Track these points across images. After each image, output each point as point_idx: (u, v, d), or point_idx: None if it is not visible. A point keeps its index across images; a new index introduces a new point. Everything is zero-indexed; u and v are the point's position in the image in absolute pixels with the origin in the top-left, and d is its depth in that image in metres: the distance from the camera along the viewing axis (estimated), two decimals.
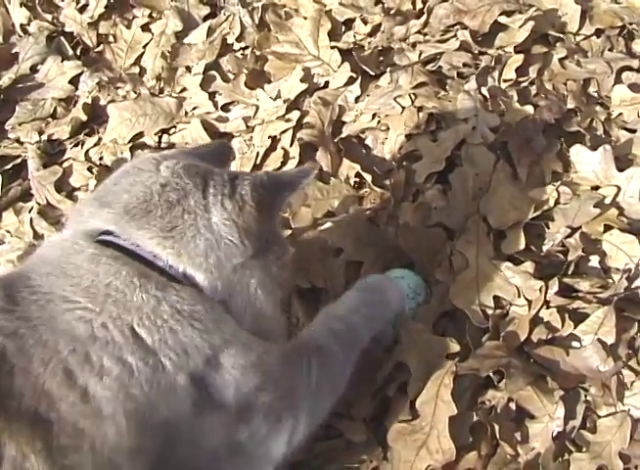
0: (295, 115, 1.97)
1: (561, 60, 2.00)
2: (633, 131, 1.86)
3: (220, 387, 1.14)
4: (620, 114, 1.89)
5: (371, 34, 2.12)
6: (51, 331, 1.04)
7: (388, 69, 2.02)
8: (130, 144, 2.07)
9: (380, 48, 2.08)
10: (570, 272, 1.66)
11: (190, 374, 1.10)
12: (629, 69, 1.95)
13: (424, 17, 2.10)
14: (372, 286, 1.58)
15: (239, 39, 2.21)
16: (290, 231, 1.77)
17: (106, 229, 1.17)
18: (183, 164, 1.21)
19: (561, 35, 2.04)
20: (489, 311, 1.63)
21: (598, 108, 1.92)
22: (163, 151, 1.33)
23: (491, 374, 1.53)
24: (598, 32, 2.05)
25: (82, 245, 1.15)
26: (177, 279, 1.14)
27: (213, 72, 2.16)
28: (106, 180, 1.28)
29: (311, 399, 1.30)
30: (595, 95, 1.94)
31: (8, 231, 2.03)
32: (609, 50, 2.03)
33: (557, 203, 1.75)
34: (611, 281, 1.64)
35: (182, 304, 1.11)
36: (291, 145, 1.93)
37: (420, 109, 1.93)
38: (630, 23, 2.04)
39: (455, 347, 1.57)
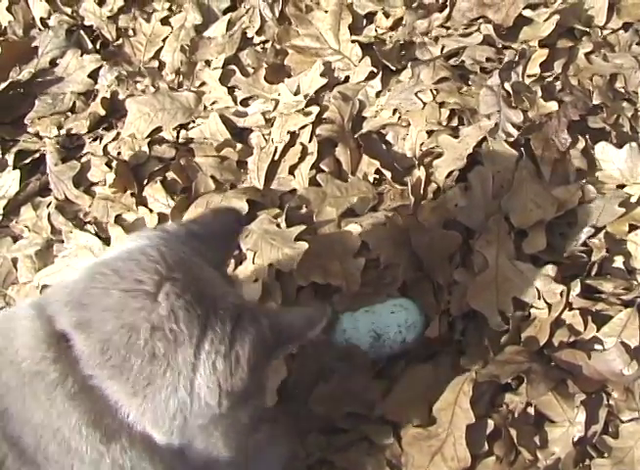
0: (314, 110, 1.95)
1: (587, 54, 1.96)
2: None
3: None
4: None
5: (393, 28, 2.09)
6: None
7: (410, 63, 1.98)
8: (148, 139, 2.05)
9: (401, 42, 2.05)
10: (593, 273, 1.63)
11: None
12: None
13: (447, 10, 2.06)
14: None
15: (259, 33, 2.19)
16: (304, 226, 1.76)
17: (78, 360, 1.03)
18: (185, 301, 1.02)
19: (587, 29, 2.00)
20: (508, 314, 1.61)
21: (625, 104, 1.88)
22: (164, 235, 1.14)
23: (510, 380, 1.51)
24: (625, 26, 2.01)
25: (48, 364, 1.02)
26: (129, 430, 1.05)
27: (233, 67, 2.13)
28: (96, 266, 1.08)
29: None
30: (622, 91, 1.90)
31: (26, 226, 2.02)
32: (637, 44, 1.98)
33: (581, 202, 1.72)
34: (635, 283, 1.61)
35: (125, 460, 1.04)
36: (310, 140, 1.90)
37: (442, 104, 1.90)
38: None
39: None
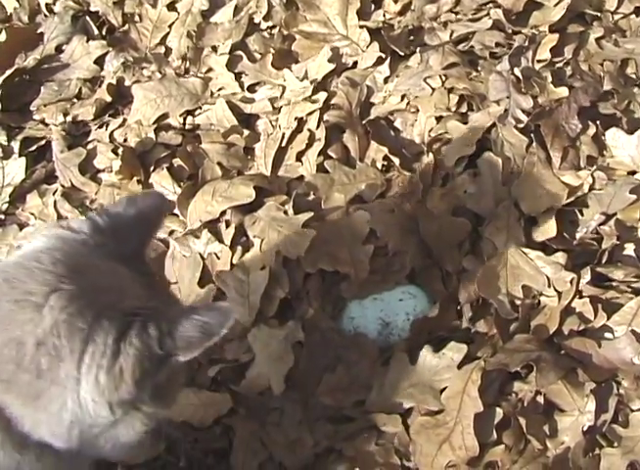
0: (322, 96, 1.93)
1: (597, 39, 1.94)
2: None
3: None
4: None
5: (401, 13, 2.07)
6: None
7: (419, 49, 1.96)
8: (155, 125, 2.03)
9: (410, 27, 2.03)
10: (603, 261, 1.62)
11: None
12: None
13: None
14: None
15: (266, 18, 2.17)
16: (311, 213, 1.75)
17: None
18: (69, 313, 1.00)
19: (598, 14, 1.98)
20: (518, 302, 1.60)
21: (636, 89, 1.86)
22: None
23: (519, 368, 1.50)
24: (637, 10, 1.99)
25: None
26: (32, 439, 1.07)
27: (240, 52, 2.11)
28: None
29: None
30: (633, 76, 1.88)
31: (32, 213, 2.01)
32: None
33: (591, 188, 1.71)
34: None
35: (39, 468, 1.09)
36: (317, 127, 1.89)
37: (450, 90, 1.89)
38: None
39: None
